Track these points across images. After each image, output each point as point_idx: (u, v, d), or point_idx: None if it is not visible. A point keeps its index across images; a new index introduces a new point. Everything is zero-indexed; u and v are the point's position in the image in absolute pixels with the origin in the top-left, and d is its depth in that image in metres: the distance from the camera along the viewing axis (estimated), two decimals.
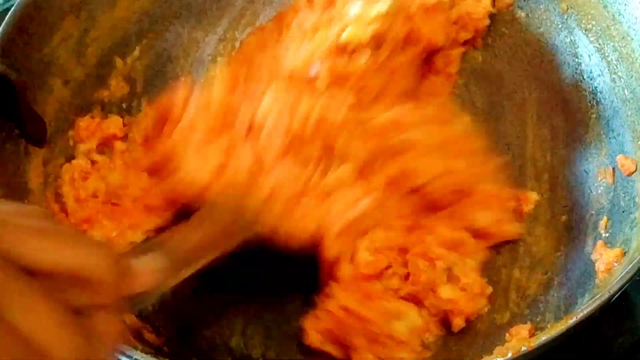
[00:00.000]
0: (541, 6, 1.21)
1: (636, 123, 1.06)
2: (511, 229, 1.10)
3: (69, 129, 1.16)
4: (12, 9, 1.10)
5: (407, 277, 1.04)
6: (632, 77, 1.08)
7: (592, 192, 1.10)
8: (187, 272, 0.85)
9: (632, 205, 1.01)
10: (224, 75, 1.15)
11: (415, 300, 1.04)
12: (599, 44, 1.14)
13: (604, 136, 1.11)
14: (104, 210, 1.11)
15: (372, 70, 1.07)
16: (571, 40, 1.18)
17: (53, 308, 0.58)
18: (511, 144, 1.20)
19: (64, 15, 1.15)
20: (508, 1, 1.23)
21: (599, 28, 1.14)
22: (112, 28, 1.22)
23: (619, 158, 1.06)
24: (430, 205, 1.08)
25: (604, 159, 1.10)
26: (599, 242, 1.02)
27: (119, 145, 1.18)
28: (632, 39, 1.08)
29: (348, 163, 1.04)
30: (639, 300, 1.07)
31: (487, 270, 1.09)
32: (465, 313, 1.03)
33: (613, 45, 1.11)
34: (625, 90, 1.09)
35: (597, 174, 1.10)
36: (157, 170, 1.10)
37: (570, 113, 1.17)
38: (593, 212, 1.08)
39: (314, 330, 1.03)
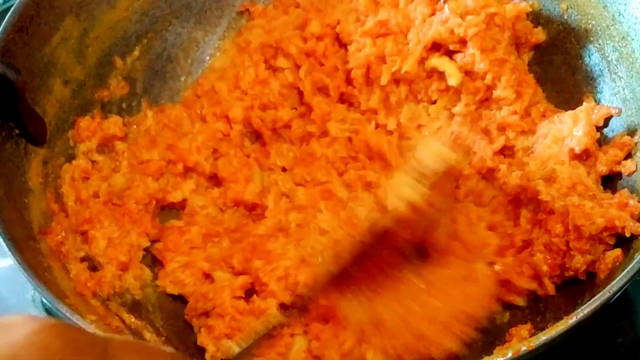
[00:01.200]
0: (541, 6, 1.21)
1: (636, 123, 1.06)
2: None
3: (69, 129, 1.16)
4: (12, 8, 1.10)
5: None
6: (632, 77, 1.08)
7: None
8: None
9: None
10: None
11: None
12: (599, 44, 1.14)
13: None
14: (105, 211, 1.11)
15: None
16: (570, 41, 1.18)
17: None
18: None
19: (64, 15, 1.15)
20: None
21: (599, 28, 1.14)
22: (112, 28, 1.22)
23: None
24: None
25: None
26: None
27: (119, 145, 1.18)
28: (632, 39, 1.08)
29: None
30: (639, 300, 1.07)
31: None
32: None
33: (613, 46, 1.11)
34: (625, 90, 1.09)
35: None
36: None
37: None
38: None
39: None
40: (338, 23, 1.24)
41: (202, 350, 1.03)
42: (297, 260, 1.08)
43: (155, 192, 1.14)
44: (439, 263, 1.03)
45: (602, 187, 1.05)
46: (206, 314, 1.06)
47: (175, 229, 1.14)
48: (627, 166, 1.04)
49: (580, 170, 1.03)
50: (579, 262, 0.98)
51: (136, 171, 1.16)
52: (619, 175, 1.05)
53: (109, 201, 1.13)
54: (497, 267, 1.03)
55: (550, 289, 1.01)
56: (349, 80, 1.23)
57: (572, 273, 0.99)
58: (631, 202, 0.98)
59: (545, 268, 1.00)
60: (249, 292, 1.08)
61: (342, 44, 1.24)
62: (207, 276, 1.10)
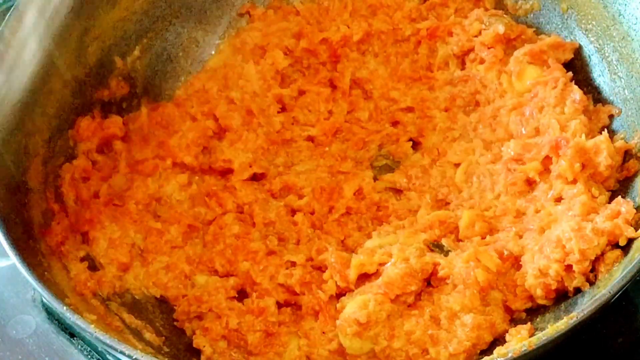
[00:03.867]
0: (541, 6, 1.21)
1: (636, 123, 1.06)
2: None
3: (69, 129, 1.16)
4: (12, 8, 1.10)
5: None
6: (632, 77, 1.08)
7: None
8: None
9: None
10: None
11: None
12: (599, 44, 1.14)
13: None
14: (105, 212, 1.11)
15: None
16: (571, 40, 1.18)
17: None
18: None
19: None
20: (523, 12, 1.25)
21: (599, 28, 1.14)
22: (112, 28, 1.22)
23: None
24: None
25: None
26: None
27: (119, 145, 1.18)
28: (632, 40, 1.08)
29: None
30: (639, 300, 1.07)
31: None
32: None
33: (613, 46, 1.11)
34: (625, 90, 1.09)
35: None
36: None
37: None
38: None
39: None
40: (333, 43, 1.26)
41: (198, 352, 1.04)
42: (285, 260, 1.08)
43: (155, 193, 1.15)
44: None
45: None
46: (199, 316, 1.06)
47: (154, 230, 1.12)
48: (630, 166, 1.04)
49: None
50: (580, 282, 0.97)
51: (134, 172, 1.16)
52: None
53: (110, 202, 1.13)
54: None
55: (547, 303, 1.01)
56: (333, 86, 1.25)
57: (570, 290, 0.99)
58: (623, 208, 0.97)
59: (539, 292, 0.99)
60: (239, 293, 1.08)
61: (332, 61, 1.26)
62: (189, 279, 1.10)
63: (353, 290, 1.03)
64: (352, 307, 0.98)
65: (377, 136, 1.21)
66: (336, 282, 1.04)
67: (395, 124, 1.22)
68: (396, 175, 1.17)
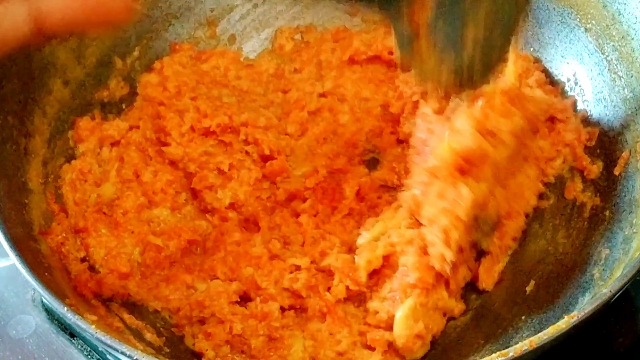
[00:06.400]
0: (541, 5, 1.21)
1: (636, 122, 1.07)
2: None
3: (69, 129, 1.15)
4: None
5: None
6: (632, 76, 1.09)
7: None
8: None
9: (632, 205, 1.01)
10: None
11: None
12: (599, 44, 1.14)
13: None
14: (101, 219, 1.10)
15: None
16: (571, 39, 1.18)
17: None
18: None
19: None
20: None
21: (598, 28, 1.14)
22: (112, 28, 1.22)
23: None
24: None
25: None
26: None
27: (106, 152, 1.16)
28: (632, 39, 1.09)
29: None
30: (639, 300, 1.07)
31: None
32: None
33: (613, 45, 1.12)
34: (625, 89, 1.10)
35: None
36: None
37: None
38: None
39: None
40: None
41: (197, 354, 1.04)
42: (289, 264, 1.08)
43: (144, 203, 1.13)
44: None
45: None
46: (201, 321, 1.05)
47: (152, 245, 1.10)
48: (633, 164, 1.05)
49: None
50: None
51: (128, 181, 1.14)
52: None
53: (99, 210, 1.11)
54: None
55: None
56: None
57: None
58: None
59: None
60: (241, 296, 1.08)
61: None
62: (189, 287, 1.09)
63: (364, 291, 1.04)
64: (404, 323, 1.00)
65: (362, 132, 1.22)
66: (347, 287, 1.04)
67: (374, 117, 1.24)
68: (385, 172, 1.18)
